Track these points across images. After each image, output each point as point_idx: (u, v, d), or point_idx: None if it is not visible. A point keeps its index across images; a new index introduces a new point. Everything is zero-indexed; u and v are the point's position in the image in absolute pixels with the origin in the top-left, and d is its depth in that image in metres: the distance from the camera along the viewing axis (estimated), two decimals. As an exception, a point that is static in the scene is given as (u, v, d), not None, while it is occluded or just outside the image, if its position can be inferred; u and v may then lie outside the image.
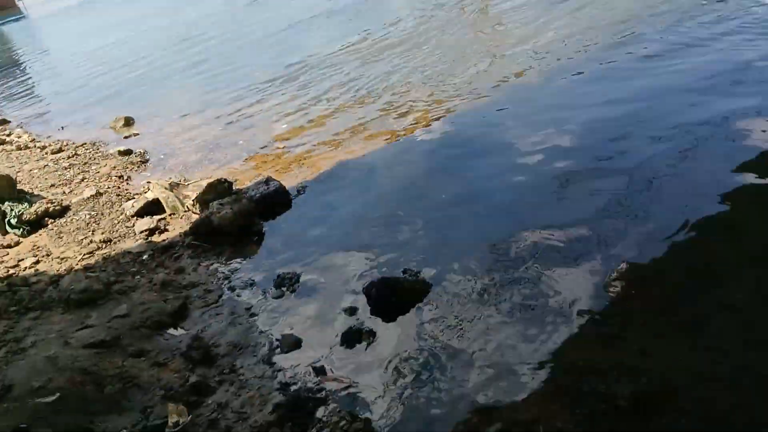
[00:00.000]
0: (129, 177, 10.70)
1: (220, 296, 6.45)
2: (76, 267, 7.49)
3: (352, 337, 5.39)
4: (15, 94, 23.35)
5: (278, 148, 10.63)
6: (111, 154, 11.98)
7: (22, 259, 7.98)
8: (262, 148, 10.79)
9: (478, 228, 6.95)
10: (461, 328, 5.31)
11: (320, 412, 4.68)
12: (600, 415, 4.24)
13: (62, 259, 7.84)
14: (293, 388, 4.91)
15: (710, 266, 5.63)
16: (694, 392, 4.34)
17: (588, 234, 6.42)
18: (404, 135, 9.84)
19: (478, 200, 7.60)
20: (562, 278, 5.79)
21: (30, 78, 28.13)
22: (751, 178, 6.88)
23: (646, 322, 5.09)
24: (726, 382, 4.39)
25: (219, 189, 8.71)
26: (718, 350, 4.69)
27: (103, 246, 8.02)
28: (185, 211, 8.59)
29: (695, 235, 6.15)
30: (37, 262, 7.86)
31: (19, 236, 8.78)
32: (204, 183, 8.85)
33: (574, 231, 6.49)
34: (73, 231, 8.64)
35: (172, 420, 4.59)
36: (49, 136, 14.86)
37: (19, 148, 13.67)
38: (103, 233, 8.36)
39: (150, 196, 8.94)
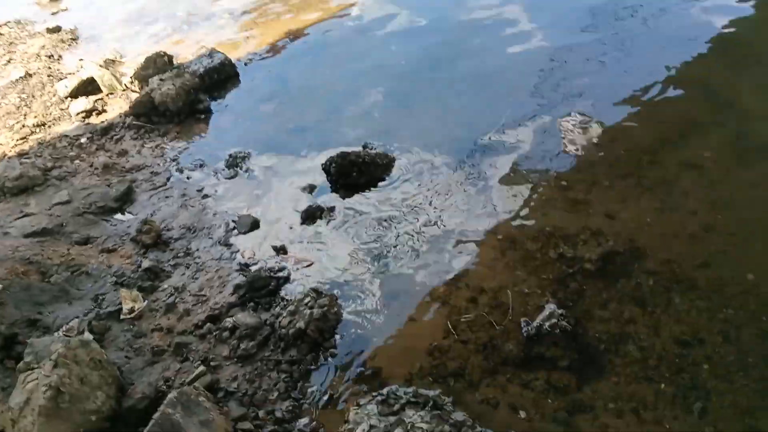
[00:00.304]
0: (60, 56, 9.73)
1: (169, 179, 6.06)
2: (9, 153, 6.91)
3: (313, 215, 5.16)
4: None
5: (221, 18, 9.76)
6: (38, 33, 10.81)
7: (-53, 149, 7.32)
8: (204, 19, 9.88)
9: (441, 96, 6.60)
10: (426, 202, 5.12)
11: (284, 291, 4.53)
12: (567, 279, 4.20)
13: (-8, 146, 7.21)
14: (254, 268, 4.72)
15: (676, 127, 5.49)
16: (660, 253, 4.32)
17: (552, 97, 6.17)
18: (358, 3, 9.12)
19: (441, 68, 7.18)
20: (527, 143, 5.58)
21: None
22: (715, 34, 6.68)
23: (612, 185, 4.98)
24: (692, 241, 4.38)
25: (159, 63, 7.99)
26: (684, 210, 4.64)
27: (37, 130, 7.38)
28: (123, 90, 7.92)
29: (660, 97, 5.97)
30: (-35, 150, 7.22)
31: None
32: (142, 58, 8.11)
33: (538, 96, 6.23)
34: (3, 116, 7.91)
35: (126, 306, 4.37)
36: (-36, 14, 13.37)
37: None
38: (35, 117, 7.67)
39: (84, 75, 8.16)
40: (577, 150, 5.40)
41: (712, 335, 3.72)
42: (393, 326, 4.15)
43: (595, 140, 5.50)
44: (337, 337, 4.11)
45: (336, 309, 4.23)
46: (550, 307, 3.93)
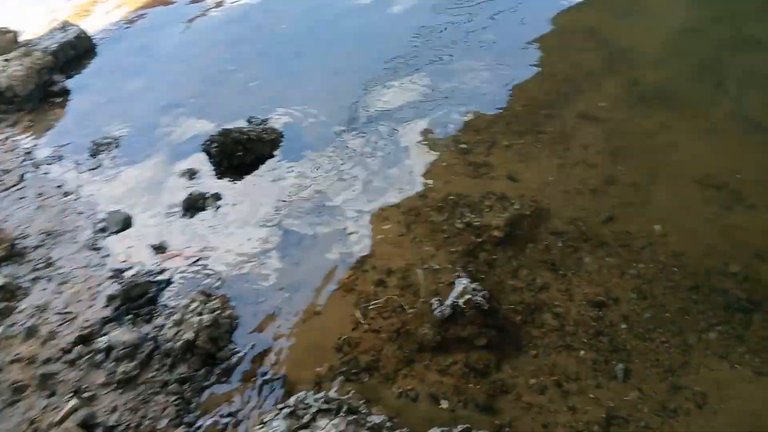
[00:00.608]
0: None
1: (22, 176, 5.22)
2: None
3: (195, 204, 4.59)
4: None
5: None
6: None
7: None
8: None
9: (327, 60, 6.12)
10: (321, 178, 4.69)
11: (166, 296, 3.99)
12: (477, 250, 3.96)
13: None
14: (129, 274, 4.12)
15: (569, 79, 5.36)
16: (565, 211, 4.17)
17: (443, 56, 5.88)
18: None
19: (325, 29, 6.68)
20: (417, 111, 5.25)
21: None
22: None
23: (512, 144, 4.78)
24: (595, 196, 4.26)
25: (1, 42, 6.92)
26: (585, 164, 4.52)
27: None
28: (-42, 75, 6.79)
29: (552, 50, 5.83)
30: None
31: None
32: (-24, 37, 6.98)
33: (427, 57, 5.91)
34: None
35: (-25, 338, 3.68)
36: None
37: None
38: None
39: None
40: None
41: (626, 293, 3.62)
42: (296, 323, 3.74)
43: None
44: (234, 344, 3.66)
45: (229, 311, 3.76)
46: (462, 283, 3.67)
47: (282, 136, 5.08)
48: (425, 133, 4.98)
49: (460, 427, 3.00)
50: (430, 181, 4.51)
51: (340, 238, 4.20)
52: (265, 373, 3.48)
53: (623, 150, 4.57)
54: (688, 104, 4.88)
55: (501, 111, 5.12)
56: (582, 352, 3.36)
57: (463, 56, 5.80)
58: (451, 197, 4.32)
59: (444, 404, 3.24)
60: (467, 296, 3.56)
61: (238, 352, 3.61)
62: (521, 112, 5.11)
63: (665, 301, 3.52)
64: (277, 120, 5.31)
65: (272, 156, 4.93)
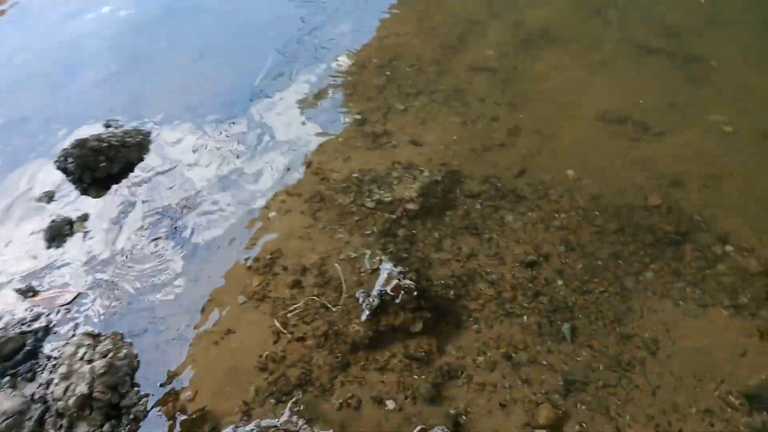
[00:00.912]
0: None
1: None
2: None
3: (60, 232, 3.89)
4: None
5: None
6: None
7: None
8: None
9: (190, 46, 5.47)
10: (199, 177, 4.13)
11: (47, 346, 3.34)
12: (393, 227, 3.63)
13: None
14: (-7, 329, 3.42)
15: (452, 30, 5.12)
16: (477, 171, 3.94)
17: (313, 33, 5.43)
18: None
19: (182, 14, 5.98)
20: (299, 86, 4.80)
21: None
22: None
23: (407, 107, 4.47)
24: (503, 150, 4.06)
25: None
26: (486, 118, 4.31)
27: None
28: None
29: (425, 3, 5.56)
30: None
31: None
32: None
33: (300, 38, 5.42)
34: None
35: None
36: None
37: None
38: None
39: None
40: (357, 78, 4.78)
41: (555, 247, 3.45)
42: (208, 347, 3.24)
43: (375, 61, 4.91)
44: (139, 386, 3.11)
45: (125, 350, 3.19)
46: (386, 267, 3.34)
47: (149, 136, 4.44)
48: (312, 108, 4.55)
49: (415, 429, 2.71)
50: (328, 161, 4.11)
51: (240, 240, 3.72)
52: (183, 412, 2.99)
53: (521, 97, 4.40)
54: (575, 40, 4.79)
55: (389, 74, 4.79)
56: (525, 318, 3.16)
57: (338, 21, 5.39)
58: (355, 175, 3.95)
59: (390, 405, 2.93)
60: (394, 281, 3.24)
61: (145, 395, 3.08)
62: (410, 72, 4.80)
63: (594, 248, 3.39)
64: (143, 119, 4.65)
65: (142, 160, 4.30)
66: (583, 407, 2.78)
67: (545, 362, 2.96)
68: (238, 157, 4.23)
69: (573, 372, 2.89)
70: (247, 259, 3.61)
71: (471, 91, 4.51)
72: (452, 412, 2.85)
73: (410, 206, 3.71)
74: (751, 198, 3.50)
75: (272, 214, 3.83)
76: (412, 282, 3.24)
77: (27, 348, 3.31)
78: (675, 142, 3.86)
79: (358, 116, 4.41)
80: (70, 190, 4.19)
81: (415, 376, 3.00)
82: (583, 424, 2.73)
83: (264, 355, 3.15)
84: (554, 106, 4.27)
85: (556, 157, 3.95)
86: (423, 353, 3.08)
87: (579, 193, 3.69)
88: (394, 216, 3.69)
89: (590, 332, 3.03)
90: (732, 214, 3.43)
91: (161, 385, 3.10)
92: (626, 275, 3.23)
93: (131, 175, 4.26)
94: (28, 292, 3.63)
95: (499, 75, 4.60)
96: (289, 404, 2.94)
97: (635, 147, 3.88)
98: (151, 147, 4.39)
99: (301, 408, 2.92)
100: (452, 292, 3.30)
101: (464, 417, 2.83)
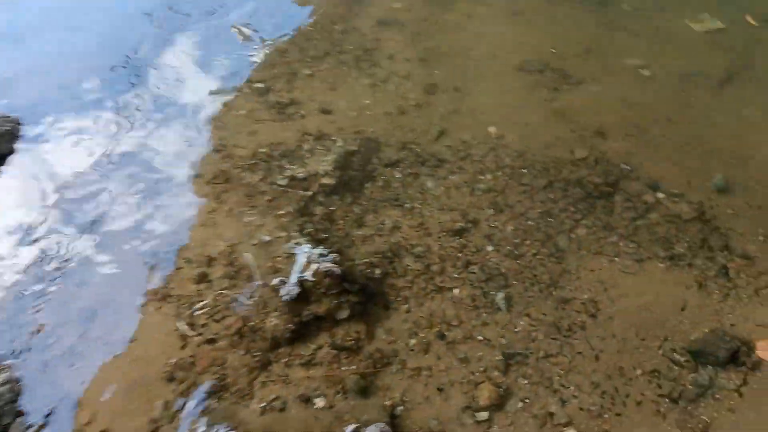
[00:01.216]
0: None
1: None
2: None
3: None
4: None
5: None
6: None
7: None
8: None
9: (54, 15, 4.82)
10: (85, 165, 3.61)
11: None
12: (310, 205, 3.30)
13: None
14: None
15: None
16: (393, 136, 3.65)
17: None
18: None
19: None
20: (191, 57, 4.32)
21: None
22: None
23: (314, 71, 4.11)
24: (419, 111, 3.78)
25: None
26: (398, 77, 4.00)
27: None
28: None
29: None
30: None
31: None
32: None
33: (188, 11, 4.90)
34: None
35: None
36: None
37: None
38: None
39: None
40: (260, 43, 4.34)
41: (482, 211, 3.22)
42: (105, 360, 2.83)
43: (273, 21, 4.48)
44: (25, 414, 2.67)
45: (4, 375, 2.73)
46: (304, 250, 3.01)
47: (20, 124, 3.85)
48: (206, 79, 4.10)
49: (348, 429, 2.45)
50: (231, 136, 3.69)
51: (134, 232, 3.27)
52: (77, 440, 2.59)
53: (433, 52, 4.12)
54: (486, -12, 4.54)
55: (290, 36, 4.38)
56: (456, 291, 2.93)
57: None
58: (263, 150, 3.56)
59: (319, 402, 2.64)
60: (314, 266, 2.92)
61: (32, 424, 2.65)
62: (313, 32, 4.42)
63: (524, 208, 3.19)
64: (10, 103, 4.04)
65: (12, 152, 3.72)
66: (525, 382, 2.60)
67: (481, 337, 2.74)
68: (127, 136, 3.74)
69: (511, 345, 2.70)
70: (143, 253, 3.19)
71: (380, 49, 4.19)
72: (388, 403, 2.60)
73: (326, 181, 3.38)
74: (676, 142, 3.39)
75: (170, 199, 3.41)
76: (334, 264, 2.93)
77: None
78: (595, 91, 3.70)
79: (260, 85, 4.00)
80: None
81: (345, 368, 2.72)
82: (526, 400, 2.54)
83: (170, 363, 2.78)
84: (469, 59, 4.02)
85: (476, 114, 3.71)
86: (352, 341, 2.80)
87: (503, 151, 3.48)
88: (309, 193, 3.35)
89: (526, 300, 2.84)
90: (659, 160, 3.32)
91: (51, 412, 2.67)
92: (558, 234, 3.05)
93: (1, 169, 3.68)
94: None
95: (409, 29, 4.29)
96: (204, 417, 2.59)
97: (556, 98, 3.70)
98: (22, 134, 3.81)
99: (219, 418, 2.58)
100: (378, 271, 3.02)
101: (401, 408, 2.59)
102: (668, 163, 3.28)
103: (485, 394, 2.55)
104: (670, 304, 2.73)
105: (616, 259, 2.91)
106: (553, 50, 3.93)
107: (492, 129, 3.61)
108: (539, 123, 3.59)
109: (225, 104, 3.90)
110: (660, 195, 3.16)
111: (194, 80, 4.13)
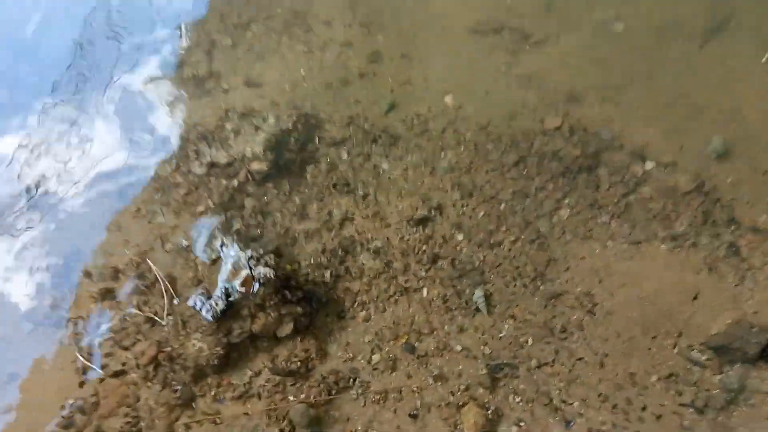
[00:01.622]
0: None
1: None
2: None
3: None
4: None
5: None
6: None
7: None
8: None
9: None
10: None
11: None
12: (236, 196, 2.70)
13: None
14: None
15: None
16: (337, 112, 3.09)
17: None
18: None
19: None
20: (108, 43, 3.62)
21: None
22: None
23: (237, 41, 3.49)
24: (364, 83, 3.23)
25: None
26: (337, 43, 3.44)
27: None
28: None
29: None
30: None
31: None
32: None
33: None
34: None
35: None
36: None
37: None
38: None
39: None
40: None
41: (447, 194, 2.71)
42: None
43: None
44: None
45: None
46: (231, 255, 2.42)
47: None
48: (127, 66, 3.41)
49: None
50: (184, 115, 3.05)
51: (18, 244, 2.60)
52: None
53: (376, 15, 3.55)
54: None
55: (210, 3, 3.73)
56: (425, 291, 2.41)
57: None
58: (188, 128, 2.93)
59: (262, 444, 2.08)
60: (244, 272, 2.34)
61: None
62: (234, -2, 3.77)
63: (495, 189, 2.69)
64: None
65: None
66: (518, 399, 2.12)
67: (459, 347, 2.24)
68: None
69: (497, 354, 2.21)
70: (31, 269, 2.52)
71: (313, 13, 3.59)
72: (348, 435, 2.07)
73: (256, 166, 2.78)
74: (659, 102, 2.95)
75: (63, 201, 2.73)
76: (270, 268, 2.36)
77: None
78: (561, 50, 3.22)
79: (171, 58, 3.34)
80: None
81: (291, 397, 2.17)
82: (521, 424, 2.06)
83: (69, 406, 2.15)
84: (416, 22, 3.47)
85: (430, 83, 3.18)
86: (298, 363, 2.24)
87: (464, 124, 2.97)
88: (236, 181, 2.75)
89: (509, 297, 2.35)
90: (643, 124, 2.88)
91: None
92: (539, 217, 2.58)
93: None
94: None
95: (348, -8, 3.71)
96: (109, 479, 1.99)
97: (517, 61, 3.21)
98: None
99: (130, 480, 1.99)
100: (329, 273, 2.47)
101: (366, 441, 2.06)
102: (654, 128, 2.85)
103: (470, 419, 2.06)
104: (679, 292, 2.29)
105: (609, 243, 2.45)
106: (513, 5, 3.43)
107: (449, 99, 3.09)
108: (501, 90, 3.10)
109: (141, 91, 3.23)
110: (649, 165, 2.73)
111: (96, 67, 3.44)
